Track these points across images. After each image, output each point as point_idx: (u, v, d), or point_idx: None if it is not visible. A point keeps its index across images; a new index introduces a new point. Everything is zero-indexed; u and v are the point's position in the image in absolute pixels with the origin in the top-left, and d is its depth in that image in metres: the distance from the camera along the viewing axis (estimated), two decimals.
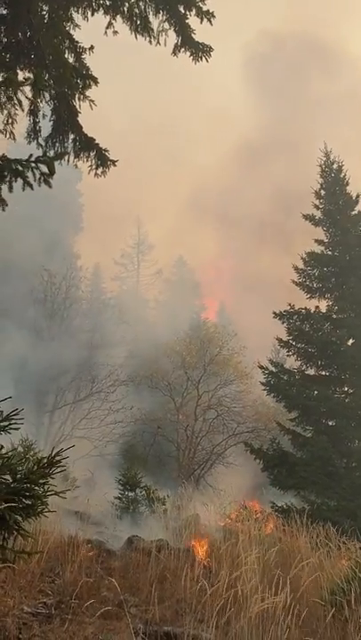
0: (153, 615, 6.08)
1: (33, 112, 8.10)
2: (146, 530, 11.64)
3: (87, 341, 24.07)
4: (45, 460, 4.78)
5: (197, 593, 6.95)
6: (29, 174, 3.26)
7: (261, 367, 17.58)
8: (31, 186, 3.08)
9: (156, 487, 15.18)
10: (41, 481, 4.67)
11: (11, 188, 4.12)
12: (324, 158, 19.07)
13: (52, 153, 7.94)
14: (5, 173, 3.74)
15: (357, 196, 18.41)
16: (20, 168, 3.03)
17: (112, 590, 7.17)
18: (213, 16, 8.42)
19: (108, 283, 44.40)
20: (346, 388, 17.15)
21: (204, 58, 8.61)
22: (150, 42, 8.58)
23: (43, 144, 8.09)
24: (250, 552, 8.22)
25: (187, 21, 8.50)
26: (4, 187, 4.09)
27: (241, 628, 5.67)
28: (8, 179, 3.89)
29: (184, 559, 8.50)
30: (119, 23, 8.59)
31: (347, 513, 13.35)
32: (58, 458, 4.78)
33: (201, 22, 8.51)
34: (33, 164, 2.98)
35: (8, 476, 4.55)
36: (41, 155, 4.01)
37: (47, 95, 7.91)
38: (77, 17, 8.40)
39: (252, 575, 6.98)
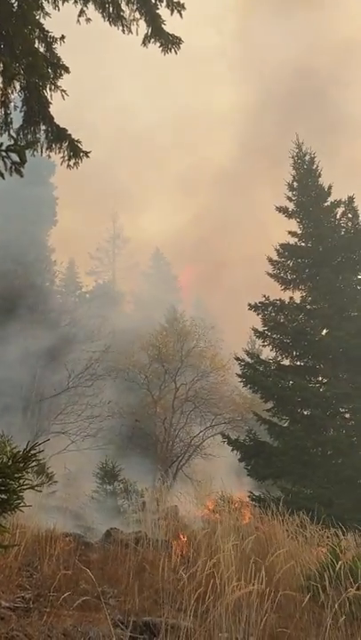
0: (132, 606, 6.11)
1: (4, 103, 7.98)
2: (124, 522, 11.66)
3: (63, 335, 23.92)
4: (20, 455, 4.74)
5: (176, 583, 7.01)
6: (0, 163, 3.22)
7: (238, 359, 17.68)
8: (2, 175, 3.04)
9: (134, 480, 15.20)
10: (16, 475, 4.64)
11: None
12: (297, 150, 19.18)
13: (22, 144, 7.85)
14: None
15: (330, 188, 18.59)
16: None
17: (90, 582, 7.15)
18: (184, 8, 8.40)
19: (83, 277, 44.25)
20: (320, 378, 17.35)
21: (173, 49, 8.57)
22: (123, 31, 8.50)
23: (14, 136, 8.00)
24: (227, 541, 8.30)
25: (157, 11, 8.44)
26: None
27: (219, 615, 5.72)
28: None
29: (162, 550, 8.55)
30: (91, 10, 8.49)
31: (322, 500, 13.51)
32: (33, 452, 4.75)
33: (171, 14, 8.47)
34: (4, 153, 2.94)
35: None
36: (11, 144, 3.96)
37: (18, 86, 7.83)
38: (47, 5, 8.31)
39: (230, 564, 7.05)
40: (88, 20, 8.67)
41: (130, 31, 8.48)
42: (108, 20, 8.54)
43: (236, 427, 23.89)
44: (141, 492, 14.53)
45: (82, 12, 8.55)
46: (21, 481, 4.63)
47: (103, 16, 8.44)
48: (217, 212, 45.81)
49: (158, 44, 8.48)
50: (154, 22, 8.33)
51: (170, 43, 8.47)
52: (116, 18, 8.45)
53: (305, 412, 16.81)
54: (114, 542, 9.55)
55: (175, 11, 8.38)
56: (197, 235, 45.81)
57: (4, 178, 3.23)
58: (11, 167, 3.10)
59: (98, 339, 24.36)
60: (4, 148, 3.03)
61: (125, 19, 8.54)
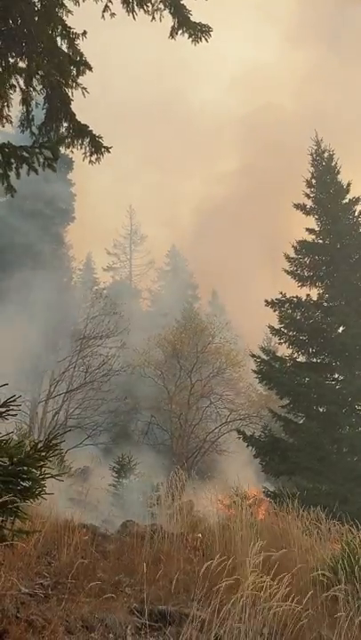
0: (147, 595, 6.21)
1: (26, 101, 8.09)
2: (140, 515, 11.78)
3: (80, 332, 24.11)
4: (41, 444, 4.88)
5: (191, 574, 7.11)
6: (34, 160, 3.30)
7: (253, 355, 17.73)
8: (36, 171, 3.14)
9: (149, 474, 15.33)
10: (38, 464, 4.77)
11: (18, 175, 4.14)
12: (315, 147, 19.13)
13: (44, 141, 7.93)
14: (12, 160, 3.77)
15: (348, 185, 18.51)
16: (26, 154, 3.09)
17: (107, 572, 7.31)
18: None
19: (100, 273, 44.48)
20: (336, 375, 17.34)
21: (203, 38, 8.43)
22: (153, 18, 8.29)
23: (36, 132, 8.10)
24: (242, 536, 8.40)
25: (182, 2, 8.31)
26: (12, 173, 4.13)
27: (233, 605, 5.80)
28: (15, 165, 3.91)
29: (178, 542, 8.65)
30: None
31: (338, 497, 13.54)
32: (54, 442, 4.88)
33: None
34: (37, 150, 3.04)
35: (5, 459, 4.65)
36: (44, 141, 4.05)
37: (40, 83, 7.93)
38: (69, 2, 8.34)
39: (245, 557, 7.13)
40: (113, 14, 8.56)
41: (153, 18, 8.28)
42: (132, 12, 8.37)
43: (251, 423, 23.93)
44: (157, 486, 14.65)
45: (106, 8, 8.47)
46: (43, 470, 4.77)
47: (127, 10, 8.33)
48: (235, 207, 45.68)
49: (187, 35, 8.29)
50: (179, 12, 8.14)
51: (199, 32, 8.29)
52: (139, 5, 8.26)
53: (321, 409, 16.81)
54: (130, 534, 9.67)
55: None
56: (215, 230, 45.70)
57: (37, 173, 3.34)
58: (44, 162, 3.19)
59: (114, 335, 24.53)
60: (37, 145, 3.15)
61: (149, 11, 8.38)
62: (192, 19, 8.47)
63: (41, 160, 3.22)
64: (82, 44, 8.53)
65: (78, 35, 8.52)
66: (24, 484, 4.87)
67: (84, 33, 8.55)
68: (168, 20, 8.59)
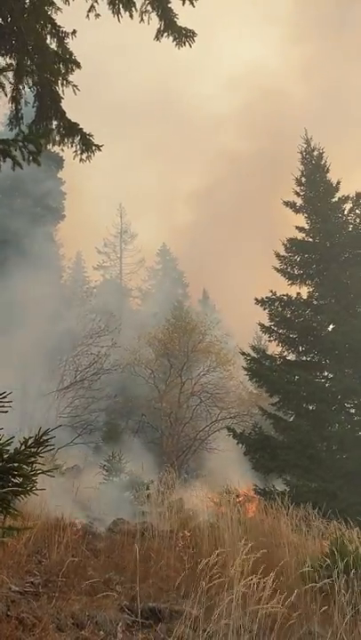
0: (138, 592, 6.23)
1: (15, 99, 8.08)
2: (130, 514, 11.81)
3: (70, 330, 24.05)
4: (32, 441, 4.87)
5: (181, 571, 7.14)
6: (17, 154, 3.29)
7: (243, 353, 17.79)
8: (20, 165, 3.14)
9: (140, 473, 15.35)
10: (29, 460, 4.77)
11: None
12: (305, 145, 19.20)
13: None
14: None
15: (338, 183, 18.59)
16: (8, 148, 3.08)
17: (98, 569, 7.33)
18: None
19: (90, 272, 44.41)
20: (326, 373, 17.43)
21: (187, 43, 8.51)
22: (141, 20, 8.36)
23: (25, 131, 8.04)
24: (232, 533, 8.45)
25: (169, 5, 8.38)
26: None
27: (223, 602, 5.83)
28: None
29: (168, 540, 8.69)
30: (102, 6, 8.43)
31: (327, 494, 13.63)
32: (45, 437, 4.87)
33: (183, 4, 8.31)
34: (20, 144, 3.04)
35: None
36: (27, 133, 4.03)
37: (30, 81, 7.91)
38: (59, 0, 8.32)
39: (235, 554, 7.17)
40: (97, 15, 8.61)
41: (142, 19, 8.35)
42: (118, 14, 8.45)
43: (241, 421, 24.00)
44: (147, 484, 14.68)
45: (92, 8, 8.50)
46: (34, 466, 4.77)
47: (113, 12, 8.39)
48: (225, 206, 45.77)
49: (172, 39, 8.37)
50: (166, 15, 8.21)
51: (183, 36, 8.37)
52: (125, 8, 8.30)
53: (310, 407, 16.90)
54: (120, 532, 9.71)
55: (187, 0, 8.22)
56: (204, 229, 45.79)
57: (22, 168, 3.34)
58: (28, 157, 3.19)
59: (104, 333, 24.51)
60: (20, 138, 3.14)
61: (136, 10, 8.42)
62: (178, 23, 8.58)
63: (25, 154, 3.22)
64: (84, 41, 8.56)
65: (68, 33, 8.52)
66: (15, 481, 4.86)
67: (74, 32, 8.56)
68: (156, 22, 8.66)
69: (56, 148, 8.44)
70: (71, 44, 8.48)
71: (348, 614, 5.91)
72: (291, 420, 16.88)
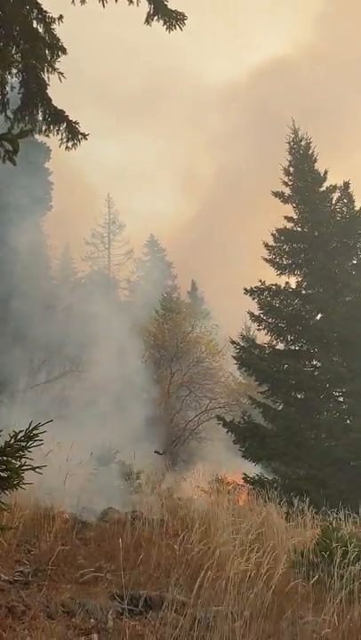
0: (128, 580, 6.23)
1: (1, 84, 7.97)
2: (121, 503, 11.81)
3: (58, 321, 23.92)
4: (22, 434, 4.83)
5: (171, 559, 7.16)
6: None
7: (233, 342, 17.83)
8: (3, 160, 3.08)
9: (130, 462, 15.34)
10: (17, 454, 4.72)
11: None
12: (293, 135, 19.16)
13: (20, 126, 7.82)
14: None
15: (325, 173, 18.59)
16: None
17: (88, 558, 7.32)
18: None
19: (78, 263, 44.10)
20: (314, 362, 17.52)
21: (178, 26, 8.42)
22: (130, 2, 8.24)
23: (11, 117, 7.99)
24: (222, 521, 8.48)
25: None
26: None
27: (214, 589, 5.86)
28: None
29: (158, 528, 8.70)
30: None
31: (316, 481, 13.72)
32: (35, 432, 4.83)
33: None
34: None
35: None
36: (6, 130, 3.96)
37: (15, 68, 7.80)
38: None
39: (225, 542, 7.21)
40: (83, 1, 8.52)
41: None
42: (102, 1, 8.33)
43: (230, 411, 24.05)
44: (137, 473, 14.70)
45: None
46: (23, 460, 4.73)
47: None
48: (214, 197, 45.68)
49: (162, 22, 8.28)
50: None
51: (174, 19, 8.27)
52: None
53: (299, 396, 16.99)
54: (110, 521, 9.70)
55: None
56: (193, 219, 45.71)
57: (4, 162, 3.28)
58: (4, 155, 3.13)
59: (93, 325, 24.39)
60: None
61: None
62: (169, 6, 8.48)
63: (1, 153, 3.17)
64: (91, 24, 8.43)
65: (54, 19, 8.40)
66: (2, 475, 4.82)
67: (60, 17, 8.45)
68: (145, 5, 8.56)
69: (39, 135, 8.34)
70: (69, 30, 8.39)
71: (339, 600, 5.96)
72: (280, 408, 16.95)
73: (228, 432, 16.73)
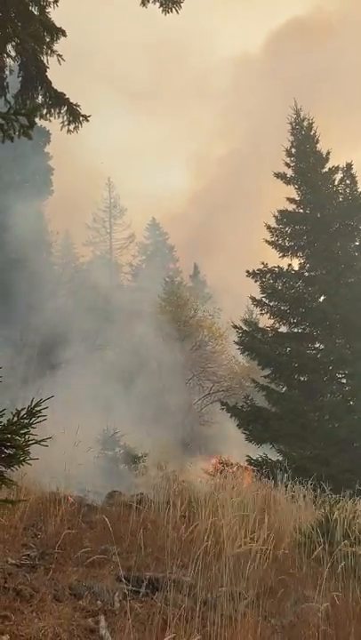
0: (134, 562, 6.30)
1: (0, 68, 7.90)
2: (126, 486, 11.90)
3: (60, 307, 23.98)
4: (25, 411, 4.86)
5: (177, 541, 7.22)
6: (10, 127, 3.20)
7: (235, 327, 17.81)
8: (12, 138, 3.05)
9: (134, 446, 15.44)
10: (22, 431, 4.76)
11: None
12: (295, 116, 18.97)
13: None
14: None
15: (328, 154, 18.42)
16: (2, 121, 2.99)
17: (94, 541, 7.38)
18: None
19: (80, 248, 43.96)
20: (317, 344, 17.50)
21: (174, 9, 8.32)
22: None
23: (11, 101, 7.89)
24: (228, 503, 8.52)
25: None
26: None
27: (219, 570, 5.91)
28: None
29: (163, 511, 8.75)
30: None
31: (320, 461, 13.80)
32: (38, 408, 4.86)
33: None
34: (13, 117, 2.95)
35: None
36: (19, 108, 3.91)
37: (14, 51, 7.72)
38: None
39: (230, 522, 7.25)
40: None
41: None
42: None
43: (233, 394, 24.14)
44: (142, 456, 14.80)
45: None
46: (27, 437, 4.78)
47: None
48: (216, 180, 45.44)
49: (158, 4, 8.19)
50: None
51: (170, 2, 8.17)
52: None
53: (302, 378, 17.01)
54: (116, 504, 9.79)
55: None
56: (195, 202, 45.50)
57: (12, 141, 3.26)
58: (19, 130, 3.10)
59: (95, 310, 24.44)
60: (12, 112, 3.04)
61: None
62: None
63: (17, 128, 3.14)
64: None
65: (50, 2, 8.30)
66: (8, 452, 4.87)
67: (56, 1, 8.35)
68: None
69: (41, 120, 8.27)
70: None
71: (342, 579, 6.02)
72: (283, 391, 16.99)
73: (231, 417, 16.80)
